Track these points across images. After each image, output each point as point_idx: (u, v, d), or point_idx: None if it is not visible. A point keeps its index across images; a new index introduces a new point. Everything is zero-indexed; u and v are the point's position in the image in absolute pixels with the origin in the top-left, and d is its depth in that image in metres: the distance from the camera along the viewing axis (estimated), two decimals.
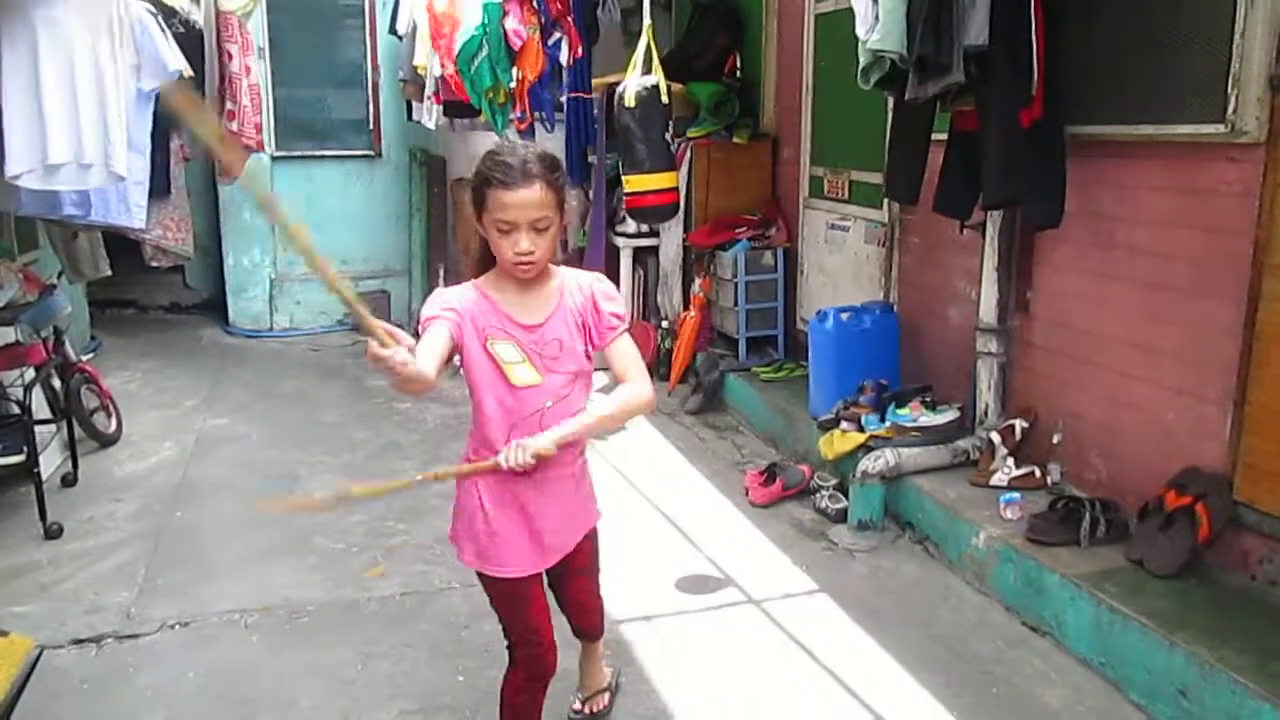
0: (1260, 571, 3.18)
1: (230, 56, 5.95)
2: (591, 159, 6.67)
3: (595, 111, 6.43)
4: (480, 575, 2.37)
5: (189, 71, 4.75)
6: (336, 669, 3.21)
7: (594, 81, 6.36)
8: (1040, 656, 3.27)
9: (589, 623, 2.77)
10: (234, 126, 6.08)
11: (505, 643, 2.46)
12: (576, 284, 2.33)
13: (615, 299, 2.36)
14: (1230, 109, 3.14)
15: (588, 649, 2.87)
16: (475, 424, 2.31)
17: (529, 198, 2.11)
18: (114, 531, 4.26)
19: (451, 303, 2.21)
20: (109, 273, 6.00)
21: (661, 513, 4.45)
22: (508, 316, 2.23)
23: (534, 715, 2.52)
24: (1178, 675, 2.84)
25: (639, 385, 2.29)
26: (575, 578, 2.59)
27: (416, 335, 2.11)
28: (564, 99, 6.41)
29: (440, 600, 3.65)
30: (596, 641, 2.86)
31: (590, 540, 2.56)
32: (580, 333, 2.30)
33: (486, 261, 2.29)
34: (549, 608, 2.46)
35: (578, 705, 2.89)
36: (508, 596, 2.38)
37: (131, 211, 4.51)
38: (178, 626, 3.47)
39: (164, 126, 5.07)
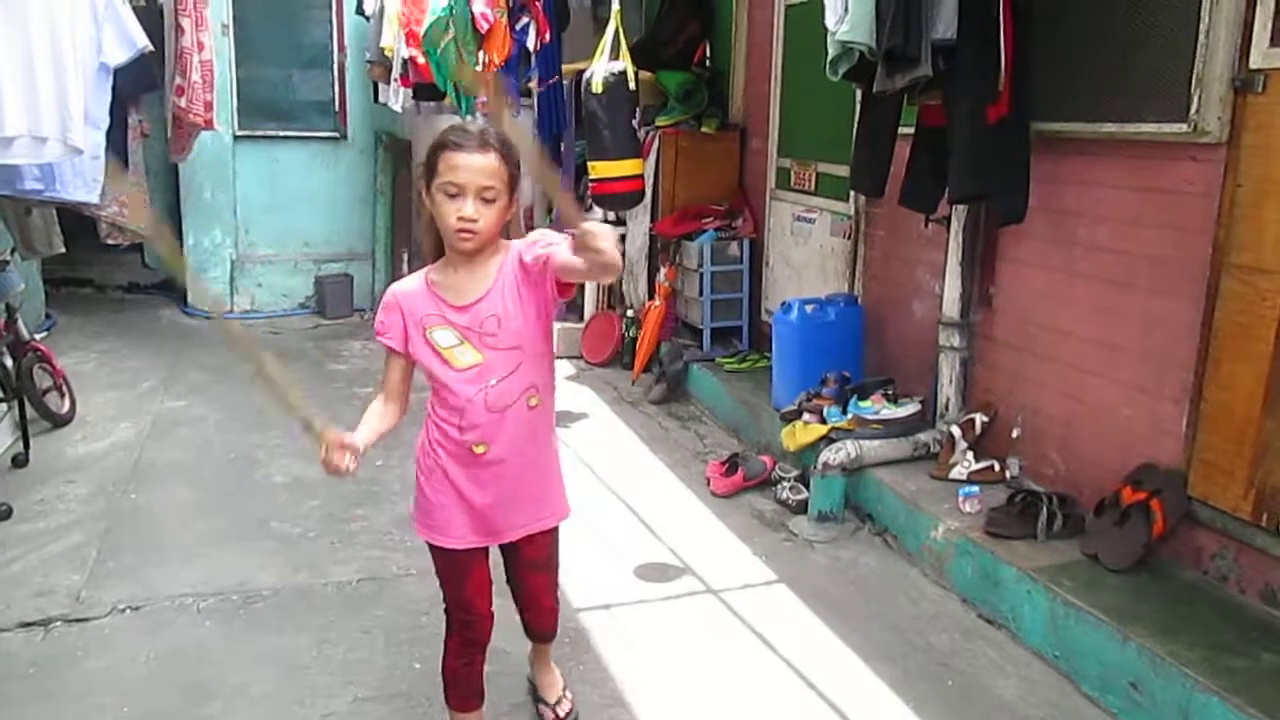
0: (1212, 567, 3.23)
1: (183, 30, 5.85)
2: (562, 146, 6.64)
3: (565, 98, 6.39)
4: (429, 544, 2.43)
5: (150, 47, 4.66)
6: (291, 655, 3.17)
7: (563, 68, 6.32)
8: (995, 648, 3.29)
9: (541, 623, 2.72)
10: (183, 103, 5.99)
11: (444, 608, 2.51)
12: (514, 252, 2.27)
13: (539, 238, 2.24)
14: (1193, 109, 3.16)
15: (540, 651, 2.85)
16: (432, 405, 2.36)
17: (481, 163, 2.12)
18: (65, 513, 4.18)
19: (394, 313, 2.28)
20: (63, 250, 5.88)
21: (622, 501, 4.44)
22: (444, 301, 2.25)
23: (473, 682, 2.55)
24: (1130, 668, 2.88)
25: None
26: (529, 572, 2.58)
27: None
28: (532, 85, 6.37)
29: (398, 586, 3.62)
30: (549, 644, 2.84)
31: (548, 536, 2.54)
32: (519, 303, 2.24)
33: (439, 249, 2.30)
34: (490, 586, 2.49)
35: (551, 716, 2.83)
36: (447, 567, 2.44)
37: (89, 185, 4.43)
38: (129, 610, 3.41)
39: (121, 101, 4.98)
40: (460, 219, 2.13)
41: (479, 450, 2.29)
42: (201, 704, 2.91)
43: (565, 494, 2.55)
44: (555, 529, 2.54)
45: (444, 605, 2.51)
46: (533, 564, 2.56)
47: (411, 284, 2.31)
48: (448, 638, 2.52)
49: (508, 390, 2.26)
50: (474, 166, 2.11)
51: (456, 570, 2.43)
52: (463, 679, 2.53)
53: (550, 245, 2.19)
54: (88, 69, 4.21)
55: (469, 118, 6.28)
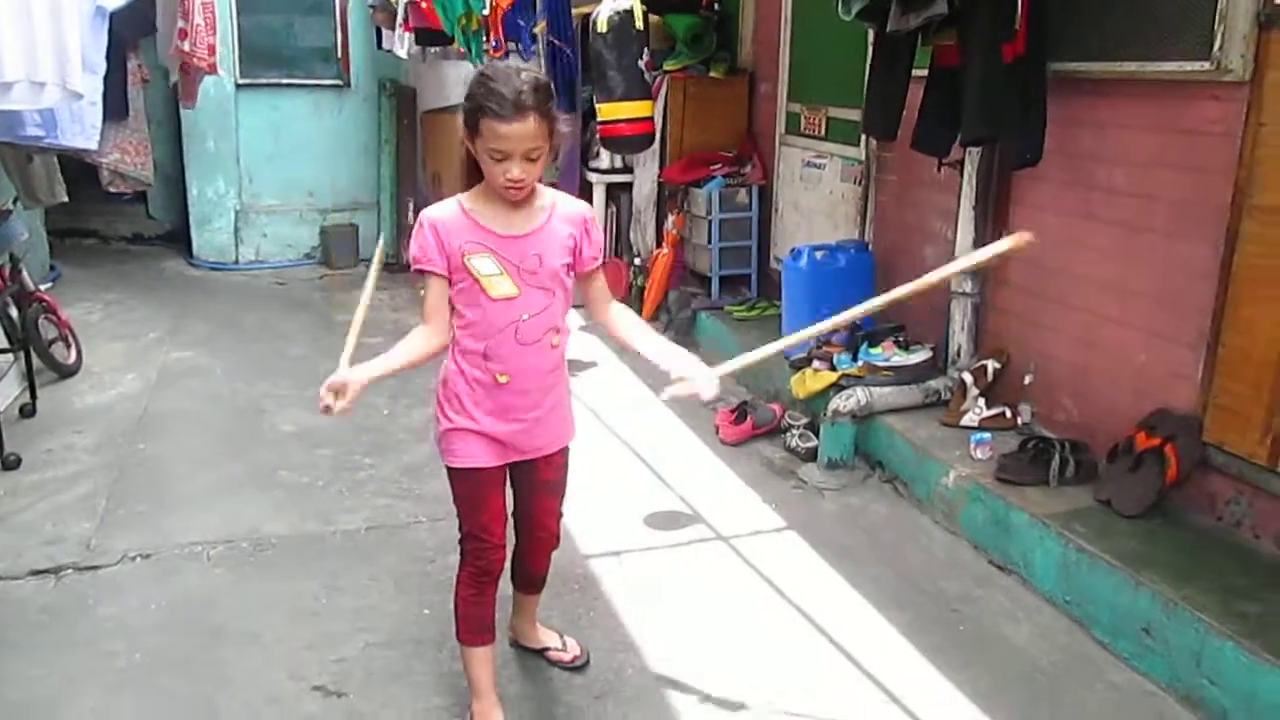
0: (1226, 513, 3.20)
1: None
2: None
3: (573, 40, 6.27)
4: (447, 468, 2.45)
5: None
6: (301, 601, 3.17)
7: (572, 11, 6.20)
8: (1007, 595, 3.29)
9: (543, 555, 2.70)
10: (186, 46, 5.89)
11: (458, 537, 2.51)
12: (569, 209, 2.39)
13: (599, 237, 2.46)
14: (1216, 46, 3.09)
15: (528, 608, 2.85)
16: (456, 332, 2.37)
17: (522, 130, 2.14)
18: (74, 463, 4.18)
19: (430, 238, 2.28)
20: (65, 199, 5.84)
21: (631, 450, 4.42)
22: (488, 230, 2.28)
23: (484, 616, 2.54)
24: (1142, 613, 2.86)
25: (623, 308, 2.61)
26: (544, 496, 2.59)
27: (405, 266, 2.21)
28: (538, 30, 6.25)
29: (406, 534, 3.62)
30: (538, 594, 2.83)
31: (563, 455, 2.58)
32: (564, 253, 2.35)
33: (474, 176, 2.32)
34: (506, 517, 2.52)
35: (569, 659, 2.85)
36: (468, 491, 2.45)
37: (87, 132, 4.38)
38: (139, 558, 3.42)
39: (120, 46, 4.90)
40: (508, 179, 2.19)
41: (502, 380, 2.34)
42: (213, 649, 2.92)
43: (573, 418, 2.61)
44: (567, 449, 2.59)
45: (459, 536, 2.51)
46: (549, 485, 2.58)
47: (445, 211, 2.31)
48: (461, 570, 2.52)
49: (536, 326, 2.33)
50: (515, 134, 2.14)
51: (478, 493, 2.44)
52: (475, 611, 2.53)
53: (598, 261, 2.45)
54: (84, 12, 4.14)
55: (478, 63, 6.18)
